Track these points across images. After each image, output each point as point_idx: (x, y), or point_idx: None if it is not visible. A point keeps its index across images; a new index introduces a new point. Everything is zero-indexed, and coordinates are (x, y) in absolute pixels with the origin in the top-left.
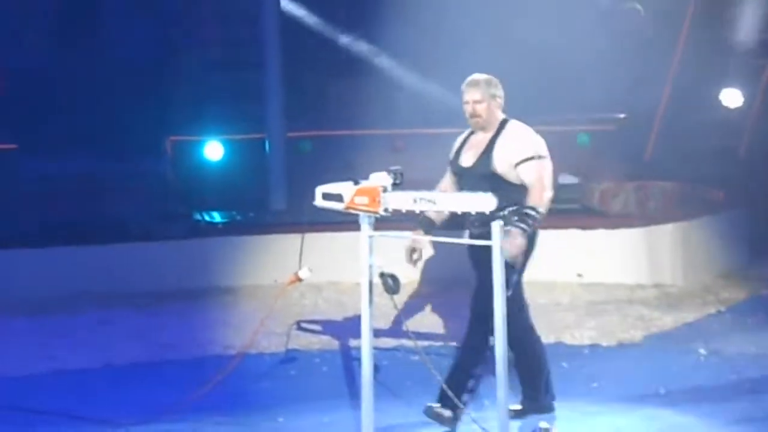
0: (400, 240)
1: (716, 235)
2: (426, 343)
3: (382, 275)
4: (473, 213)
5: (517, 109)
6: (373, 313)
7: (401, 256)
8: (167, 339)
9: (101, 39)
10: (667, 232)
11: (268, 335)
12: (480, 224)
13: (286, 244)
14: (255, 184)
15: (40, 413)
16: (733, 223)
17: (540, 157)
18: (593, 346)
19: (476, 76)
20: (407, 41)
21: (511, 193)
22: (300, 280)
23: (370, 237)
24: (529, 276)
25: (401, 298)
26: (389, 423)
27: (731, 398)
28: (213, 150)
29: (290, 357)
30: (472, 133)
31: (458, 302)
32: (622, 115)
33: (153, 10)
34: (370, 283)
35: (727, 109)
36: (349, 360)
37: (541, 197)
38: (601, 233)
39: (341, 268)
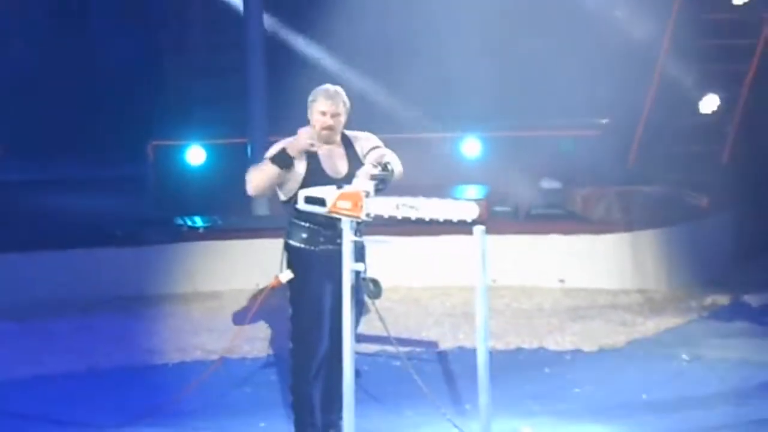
0: (382, 245)
1: (699, 241)
2: (407, 348)
3: (363, 279)
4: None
5: (499, 114)
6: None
7: (383, 260)
8: (150, 344)
9: (85, 43)
10: (650, 238)
11: (251, 340)
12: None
13: (269, 248)
14: (238, 188)
15: (23, 417)
16: (717, 229)
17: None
18: (575, 352)
19: (333, 87)
20: (381, 47)
21: None
22: (281, 283)
23: (352, 242)
24: (511, 280)
25: (383, 303)
26: (370, 428)
27: (714, 404)
28: (195, 155)
29: (271, 362)
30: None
31: (441, 308)
32: (604, 120)
33: (137, 15)
34: (352, 288)
35: (705, 114)
36: None
37: (400, 167)
38: (583, 238)
39: None
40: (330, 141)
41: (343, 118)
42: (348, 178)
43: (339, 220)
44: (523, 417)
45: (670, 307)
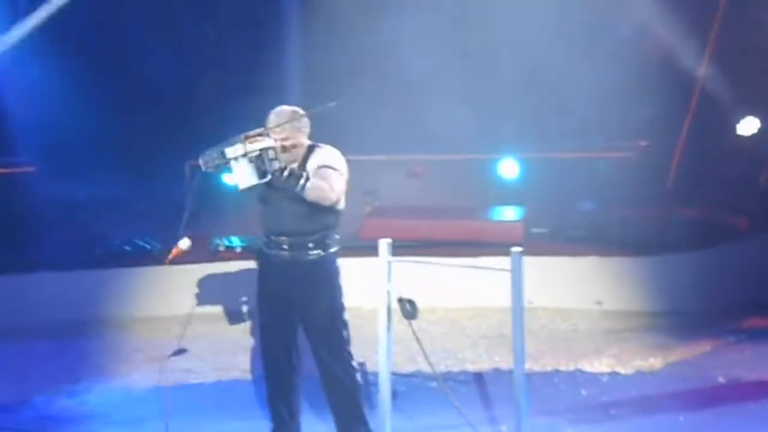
0: (418, 265)
1: (737, 263)
2: (444, 369)
3: (400, 301)
4: (284, 237)
5: (537, 135)
6: (391, 338)
7: (420, 281)
8: (187, 363)
9: (124, 62)
10: (687, 260)
11: None
12: (290, 248)
13: None
14: None
15: None
16: (754, 251)
17: (340, 173)
18: (612, 374)
19: (282, 110)
20: (431, 64)
21: (326, 217)
22: (182, 251)
23: (389, 262)
24: (548, 302)
25: (419, 324)
26: None
27: (751, 427)
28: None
29: (308, 382)
30: None
31: (477, 329)
32: (644, 143)
33: (176, 34)
34: (389, 309)
35: (744, 136)
36: (367, 385)
37: (324, 189)
38: (620, 260)
39: (359, 293)
40: (288, 161)
41: (290, 141)
42: (277, 192)
43: (282, 230)
44: None
45: (707, 329)
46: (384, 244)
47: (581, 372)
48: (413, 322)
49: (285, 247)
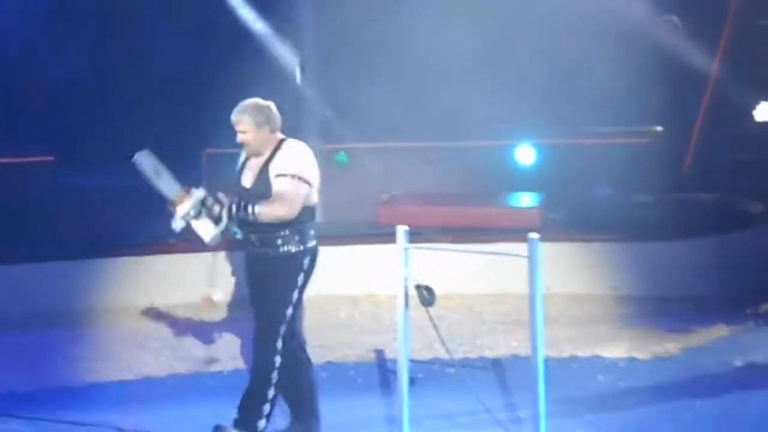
0: (435, 252)
1: (753, 248)
2: (461, 355)
3: (417, 287)
4: (253, 233)
5: (554, 122)
6: (409, 325)
7: (437, 268)
8: (207, 351)
9: (139, 51)
10: (703, 245)
11: (347, 344)
12: (261, 244)
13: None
14: None
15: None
16: None
17: (298, 178)
18: (629, 360)
19: (243, 104)
20: (446, 51)
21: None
22: (212, 302)
23: (407, 249)
24: (564, 288)
25: (436, 310)
26: None
27: None
28: None
29: (326, 369)
30: None
31: (494, 315)
32: (659, 128)
33: (191, 21)
34: (406, 296)
35: (760, 122)
36: (385, 373)
37: (273, 209)
38: (636, 246)
39: (377, 280)
40: (252, 153)
41: (251, 135)
42: (251, 191)
43: (252, 225)
44: (577, 425)
45: (723, 314)
46: (401, 230)
47: (599, 358)
48: (430, 308)
49: (255, 242)
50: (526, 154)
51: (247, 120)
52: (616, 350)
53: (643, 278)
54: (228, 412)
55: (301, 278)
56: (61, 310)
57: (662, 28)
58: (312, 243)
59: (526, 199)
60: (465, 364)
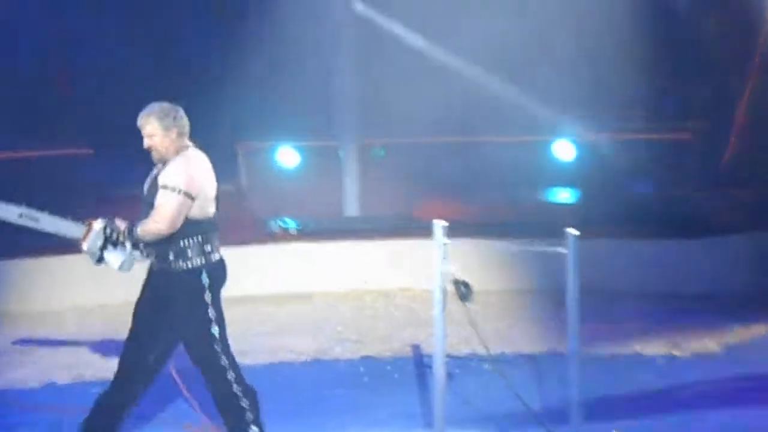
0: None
1: None
2: (498, 351)
3: (455, 282)
4: (150, 247)
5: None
6: (446, 320)
7: (473, 263)
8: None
9: (169, 41)
10: (743, 241)
11: (342, 342)
12: (158, 261)
13: (360, 249)
14: (328, 190)
15: None
16: None
17: (178, 191)
18: (668, 357)
19: (150, 107)
20: (489, 47)
21: (184, 225)
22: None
23: (445, 244)
24: (601, 285)
25: (474, 306)
26: (461, 430)
27: None
28: (287, 156)
29: (363, 364)
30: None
31: (531, 311)
32: (700, 125)
33: (224, 12)
34: (444, 290)
35: None
36: (421, 367)
37: (151, 226)
38: (673, 243)
39: (413, 275)
40: (158, 160)
41: (158, 139)
42: (145, 199)
43: (152, 244)
44: (615, 422)
45: (763, 311)
46: (438, 225)
47: (638, 355)
48: (468, 304)
49: (152, 257)
50: (565, 150)
51: (154, 123)
52: (655, 348)
53: (680, 274)
54: None
55: (207, 296)
56: None
57: (703, 26)
58: (212, 257)
59: (565, 195)
60: (501, 359)
